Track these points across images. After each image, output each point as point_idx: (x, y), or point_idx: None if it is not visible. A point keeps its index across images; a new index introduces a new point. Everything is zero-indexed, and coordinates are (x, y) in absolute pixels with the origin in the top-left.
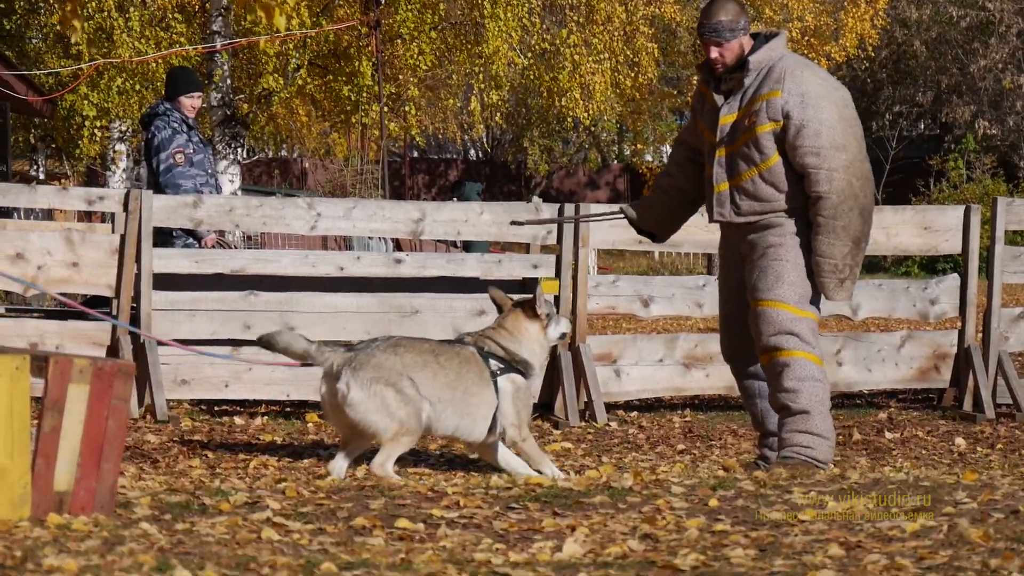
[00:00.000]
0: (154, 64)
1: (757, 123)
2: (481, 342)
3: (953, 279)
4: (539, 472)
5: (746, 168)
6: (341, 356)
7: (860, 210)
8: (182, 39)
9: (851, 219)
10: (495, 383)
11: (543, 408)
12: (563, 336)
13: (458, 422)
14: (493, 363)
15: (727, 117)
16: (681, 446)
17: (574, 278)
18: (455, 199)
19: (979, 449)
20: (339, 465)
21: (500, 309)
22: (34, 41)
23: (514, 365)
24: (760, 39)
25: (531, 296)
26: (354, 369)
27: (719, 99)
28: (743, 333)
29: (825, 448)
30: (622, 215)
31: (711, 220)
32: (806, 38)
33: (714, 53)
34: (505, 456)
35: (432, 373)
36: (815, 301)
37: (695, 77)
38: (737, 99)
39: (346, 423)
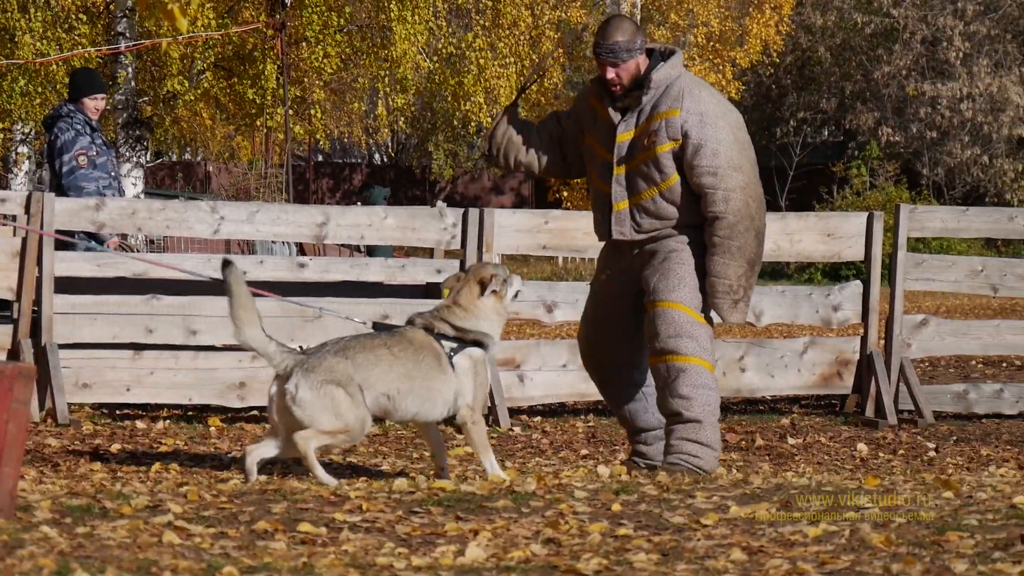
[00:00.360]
0: (55, 65)
1: (657, 142)
2: (431, 323)
3: (856, 286)
4: (481, 463)
5: (646, 187)
6: (294, 358)
7: (755, 232)
8: (84, 40)
9: (746, 240)
10: (451, 363)
11: None
12: (517, 294)
13: (418, 408)
14: (446, 344)
15: (625, 135)
16: (584, 451)
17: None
18: (360, 203)
19: (881, 455)
20: (260, 451)
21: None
22: None
23: (468, 341)
24: (655, 56)
25: (483, 273)
26: (306, 371)
27: (615, 116)
28: (612, 340)
29: (712, 458)
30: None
31: (607, 238)
32: (711, 43)
33: (611, 74)
34: (433, 431)
35: (388, 367)
36: (709, 312)
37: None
38: (634, 116)
39: (292, 424)
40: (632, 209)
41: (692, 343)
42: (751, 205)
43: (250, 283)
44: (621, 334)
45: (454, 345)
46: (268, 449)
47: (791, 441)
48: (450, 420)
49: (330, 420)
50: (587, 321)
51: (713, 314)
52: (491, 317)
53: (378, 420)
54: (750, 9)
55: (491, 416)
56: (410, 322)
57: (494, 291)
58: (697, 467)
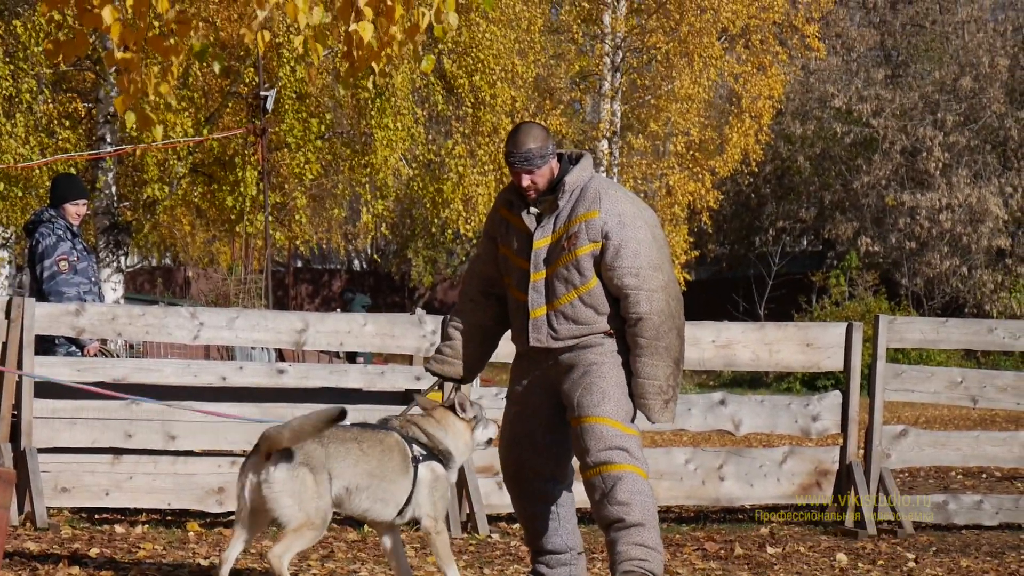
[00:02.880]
0: (37, 170)
1: (577, 245)
2: (407, 428)
3: (835, 396)
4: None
5: (565, 291)
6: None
7: (677, 331)
8: (68, 145)
9: (671, 339)
10: (415, 468)
11: None
12: (489, 441)
13: (371, 505)
14: (416, 448)
15: (542, 240)
16: None
17: (457, 391)
18: (339, 308)
19: (860, 565)
20: (232, 554)
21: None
22: None
23: (436, 454)
24: (565, 160)
25: (458, 400)
26: (284, 451)
27: (531, 223)
28: (533, 453)
29: (659, 561)
30: (434, 377)
31: (524, 346)
32: (691, 152)
33: (526, 181)
34: (396, 549)
35: (354, 461)
36: (635, 419)
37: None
38: (551, 221)
39: (259, 503)
40: (550, 315)
41: (624, 454)
42: (672, 304)
43: (229, 389)
44: (542, 447)
45: (423, 452)
46: (238, 546)
47: (770, 550)
48: (415, 524)
49: (293, 507)
50: (507, 436)
51: (640, 417)
52: (458, 441)
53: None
54: (730, 118)
55: (470, 523)
56: (383, 422)
57: (464, 419)
58: (649, 571)
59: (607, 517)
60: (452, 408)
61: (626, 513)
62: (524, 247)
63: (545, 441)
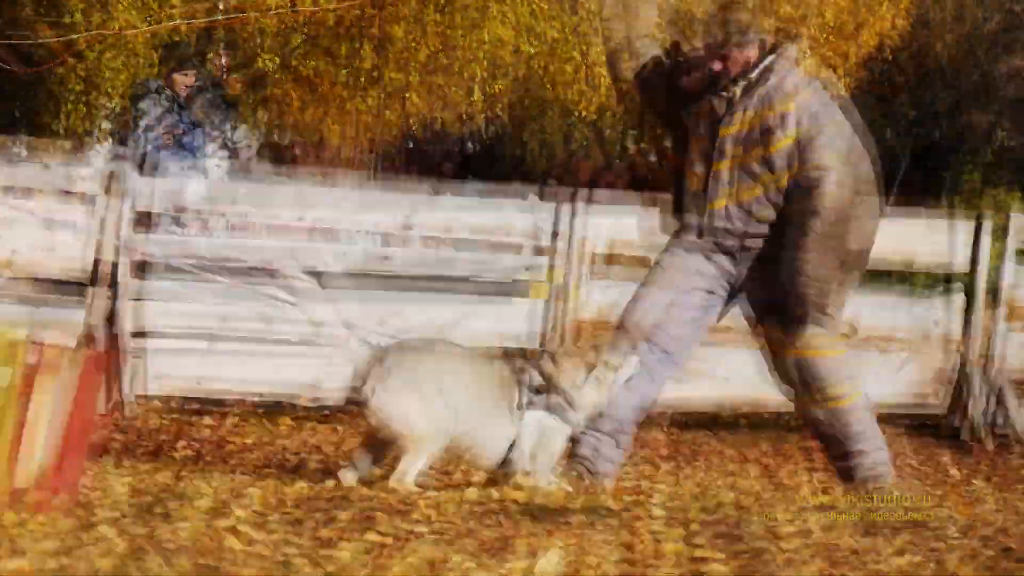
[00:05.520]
0: (143, 39)
1: (772, 141)
2: (525, 368)
3: (958, 298)
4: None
5: (751, 185)
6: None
7: (847, 231)
8: (175, 12)
9: (838, 231)
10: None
11: None
12: (631, 379)
13: (471, 444)
14: (526, 393)
15: (727, 129)
16: (664, 467)
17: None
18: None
19: (975, 481)
20: (354, 471)
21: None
22: (25, 9)
23: (550, 403)
24: (765, 49)
25: (591, 359)
26: (386, 369)
27: (720, 106)
28: (675, 320)
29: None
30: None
31: (696, 235)
32: (825, 36)
33: (718, 65)
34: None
35: (465, 383)
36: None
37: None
38: (740, 110)
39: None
40: (729, 208)
41: (849, 383)
42: (851, 205)
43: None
44: (687, 318)
45: (534, 397)
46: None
47: None
48: None
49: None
50: (655, 289)
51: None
52: (585, 400)
53: None
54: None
55: None
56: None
57: (598, 378)
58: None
59: (845, 447)
60: (588, 365)
61: (862, 440)
62: (708, 132)
63: (692, 315)
